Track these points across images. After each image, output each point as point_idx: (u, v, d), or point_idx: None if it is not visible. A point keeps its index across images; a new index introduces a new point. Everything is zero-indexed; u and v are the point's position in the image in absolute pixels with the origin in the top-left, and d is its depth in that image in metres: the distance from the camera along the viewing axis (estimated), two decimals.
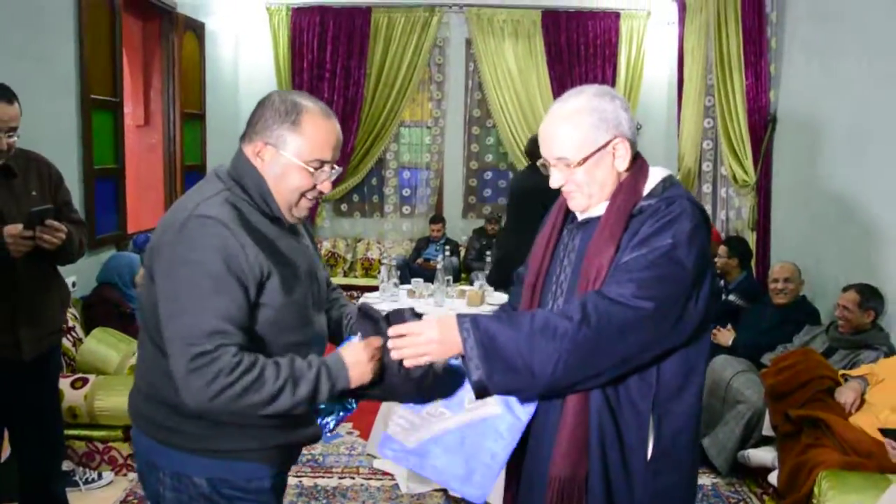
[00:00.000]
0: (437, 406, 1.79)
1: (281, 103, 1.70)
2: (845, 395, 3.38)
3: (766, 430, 3.65)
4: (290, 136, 1.68)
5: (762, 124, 5.55)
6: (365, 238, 8.29)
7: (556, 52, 7.82)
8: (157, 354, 1.69)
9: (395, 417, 1.83)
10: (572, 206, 1.78)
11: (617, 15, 7.83)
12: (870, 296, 3.82)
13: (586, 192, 1.72)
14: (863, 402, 3.37)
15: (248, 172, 1.71)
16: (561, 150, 1.70)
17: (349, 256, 8.15)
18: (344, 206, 8.36)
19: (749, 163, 5.68)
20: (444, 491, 3.53)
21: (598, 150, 1.69)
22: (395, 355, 1.64)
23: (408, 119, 8.32)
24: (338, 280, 7.91)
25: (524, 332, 1.57)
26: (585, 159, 1.69)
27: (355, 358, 1.70)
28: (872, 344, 3.75)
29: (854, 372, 3.55)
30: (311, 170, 1.69)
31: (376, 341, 1.69)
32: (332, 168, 1.74)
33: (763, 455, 3.61)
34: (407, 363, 1.63)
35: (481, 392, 1.61)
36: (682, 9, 6.89)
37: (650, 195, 1.70)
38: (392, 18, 7.81)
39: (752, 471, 3.73)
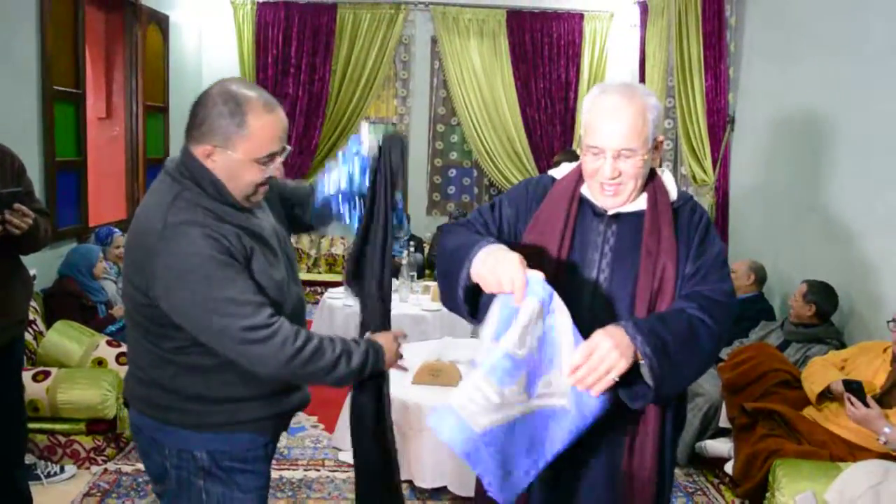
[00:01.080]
0: (519, 385, 1.54)
1: (224, 104, 1.71)
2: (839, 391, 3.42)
3: (723, 422, 3.77)
4: (238, 137, 1.71)
5: (721, 125, 5.68)
6: (329, 234, 8.28)
7: (520, 52, 7.89)
8: (147, 343, 1.78)
9: (471, 389, 1.50)
10: (615, 200, 1.77)
11: (581, 16, 7.93)
12: (816, 290, 4.02)
13: (633, 185, 1.76)
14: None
15: (202, 174, 1.74)
16: (630, 142, 1.71)
17: (313, 252, 8.14)
18: None
19: (708, 163, 5.81)
20: (410, 482, 3.56)
21: (655, 146, 1.77)
22: (581, 387, 1.55)
23: (373, 115, 8.33)
24: (302, 276, 7.78)
25: (684, 338, 1.65)
26: (647, 153, 1.74)
27: (388, 345, 1.92)
28: (823, 339, 3.91)
29: (816, 364, 3.61)
30: (263, 164, 1.75)
31: (400, 332, 2.00)
32: (283, 151, 1.79)
33: (720, 446, 3.72)
34: (597, 391, 1.55)
35: (652, 399, 1.65)
36: (645, 12, 7.01)
37: (669, 192, 1.84)
38: (357, 15, 7.81)
39: (708, 461, 3.84)
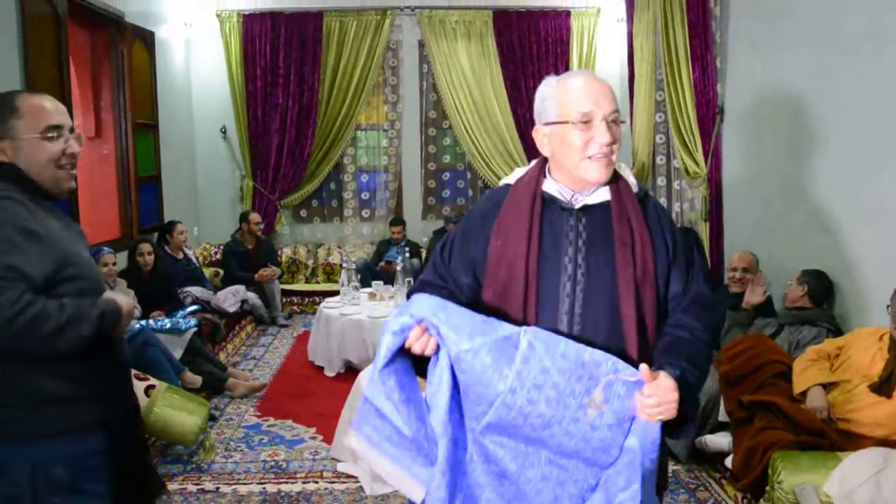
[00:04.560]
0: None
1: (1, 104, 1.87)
2: (813, 405, 3.40)
3: (722, 416, 3.73)
4: (14, 121, 1.84)
5: (711, 117, 5.66)
6: (325, 243, 8.27)
7: (508, 52, 7.89)
8: None
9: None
10: (601, 173, 1.76)
11: (567, 13, 7.92)
12: (810, 273, 4.10)
13: (615, 156, 1.78)
14: (834, 385, 3.44)
15: (2, 168, 1.86)
16: (616, 105, 1.76)
17: (310, 262, 8.13)
18: (303, 212, 8.33)
19: (700, 155, 5.78)
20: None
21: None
22: (654, 417, 1.64)
23: (364, 122, 8.33)
24: (299, 286, 7.90)
25: (704, 369, 1.79)
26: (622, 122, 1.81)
27: (127, 306, 1.93)
28: (814, 320, 3.93)
29: (805, 358, 3.60)
30: (50, 139, 1.86)
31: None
32: (72, 131, 1.91)
33: (720, 440, 3.68)
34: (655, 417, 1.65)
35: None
36: (631, 5, 6.98)
37: (631, 184, 1.86)
38: (344, 22, 7.81)
39: (709, 456, 3.80)
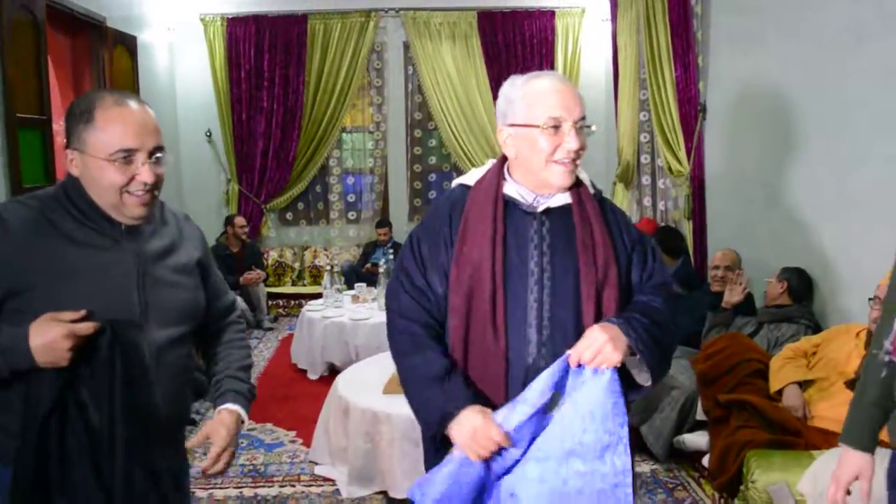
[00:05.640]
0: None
1: (76, 105, 1.66)
2: (789, 404, 3.41)
3: (700, 415, 3.72)
4: (87, 134, 1.62)
5: (693, 115, 5.65)
6: (312, 246, 8.24)
7: (493, 52, 7.87)
8: None
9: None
10: (566, 179, 1.76)
11: (552, 13, 7.90)
12: (790, 270, 4.10)
13: (579, 163, 1.78)
14: (811, 383, 3.43)
15: (68, 181, 1.68)
16: (583, 112, 1.75)
17: (297, 265, 8.11)
18: (289, 215, 8.30)
19: (682, 153, 5.78)
20: (385, 493, 3.53)
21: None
22: (590, 362, 1.67)
23: (349, 125, 8.30)
24: (286, 289, 7.88)
25: (663, 328, 1.77)
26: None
27: (43, 337, 1.52)
28: (794, 317, 3.92)
29: (781, 356, 3.59)
30: (120, 163, 1.62)
31: (68, 315, 1.54)
32: (152, 155, 1.65)
33: (697, 439, 3.67)
34: (595, 363, 1.67)
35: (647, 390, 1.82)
36: (615, 5, 6.97)
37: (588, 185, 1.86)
38: (328, 25, 7.79)
39: (688, 455, 3.79)
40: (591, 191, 1.84)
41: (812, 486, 2.83)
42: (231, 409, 1.81)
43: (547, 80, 1.76)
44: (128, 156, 1.62)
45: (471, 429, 1.64)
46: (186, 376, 1.83)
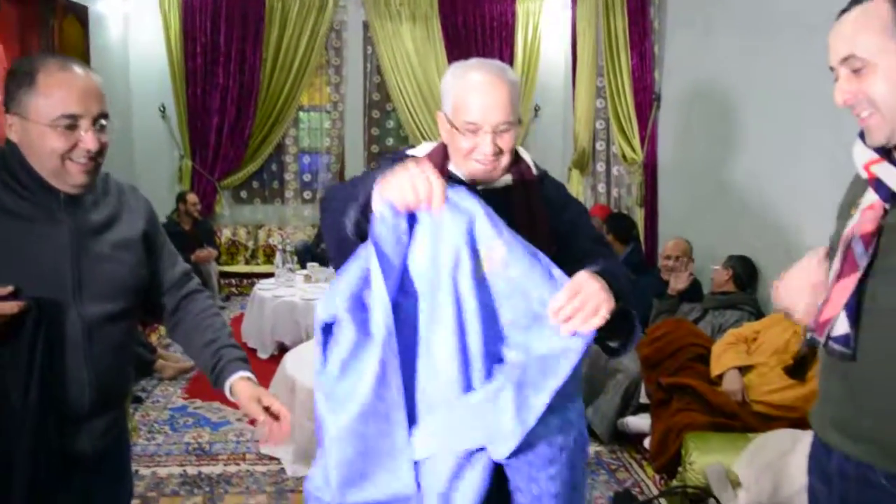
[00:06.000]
0: None
1: (18, 68, 1.60)
2: (728, 388, 3.47)
3: (644, 398, 3.79)
4: (28, 98, 1.56)
5: (647, 103, 5.71)
6: (266, 225, 8.16)
7: (453, 35, 7.84)
8: None
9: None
10: (492, 175, 1.74)
11: None
12: (735, 258, 4.21)
13: (508, 160, 1.74)
14: (750, 368, 3.50)
15: (7, 148, 1.62)
16: (508, 115, 1.68)
17: (250, 244, 8.03)
18: (243, 193, 8.20)
19: (636, 141, 5.83)
20: None
21: (519, 120, 1.76)
22: (567, 329, 1.40)
23: (306, 103, 8.23)
24: (239, 268, 7.80)
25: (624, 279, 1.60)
26: (518, 127, 1.75)
27: None
28: (738, 304, 4.01)
29: (723, 342, 3.67)
30: (62, 129, 1.56)
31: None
32: (96, 122, 1.60)
33: (640, 422, 3.74)
34: (589, 327, 1.39)
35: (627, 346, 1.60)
36: None
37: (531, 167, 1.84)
38: (287, 2, 7.68)
39: (631, 438, 3.86)
40: (535, 171, 1.84)
41: (747, 468, 2.90)
42: (247, 376, 1.76)
43: (475, 76, 1.71)
44: (71, 122, 1.57)
45: (405, 169, 1.41)
46: (125, 352, 1.78)
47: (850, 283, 1.38)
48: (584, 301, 1.40)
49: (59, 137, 1.57)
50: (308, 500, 1.55)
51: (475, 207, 1.46)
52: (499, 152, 1.71)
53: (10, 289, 1.49)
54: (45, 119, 1.56)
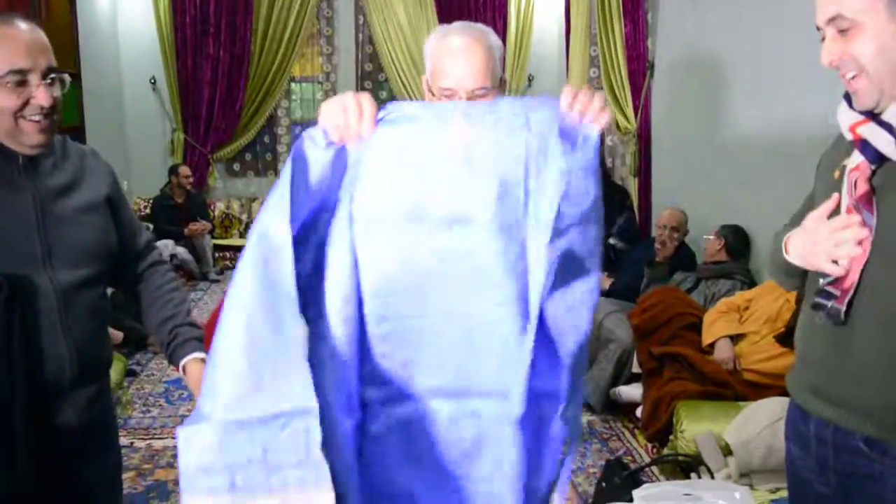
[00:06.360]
0: None
1: None
2: (720, 357, 3.50)
3: (636, 367, 3.80)
4: None
5: (641, 72, 5.67)
6: (259, 197, 8.13)
7: (446, 4, 7.76)
8: None
9: None
10: None
11: None
12: (727, 227, 4.21)
13: None
14: (742, 336, 3.52)
15: None
16: (485, 80, 1.62)
17: (244, 217, 8.00)
18: (236, 166, 8.16)
19: (630, 110, 5.81)
20: None
21: (500, 84, 1.70)
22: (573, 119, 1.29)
23: (298, 74, 8.16)
24: (233, 241, 7.77)
25: None
26: (497, 92, 1.67)
27: None
28: (731, 273, 4.02)
29: (715, 310, 3.68)
30: (11, 86, 1.51)
31: None
32: (46, 76, 1.54)
33: (632, 391, 3.75)
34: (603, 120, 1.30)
35: None
36: None
37: None
38: None
39: (623, 407, 3.88)
40: None
41: (737, 436, 2.93)
42: (201, 357, 1.72)
43: (455, 40, 1.64)
44: (20, 77, 1.52)
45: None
46: (101, 318, 1.74)
47: (866, 245, 1.34)
48: (588, 98, 1.30)
49: (10, 95, 1.52)
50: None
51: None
52: None
53: None
54: None
